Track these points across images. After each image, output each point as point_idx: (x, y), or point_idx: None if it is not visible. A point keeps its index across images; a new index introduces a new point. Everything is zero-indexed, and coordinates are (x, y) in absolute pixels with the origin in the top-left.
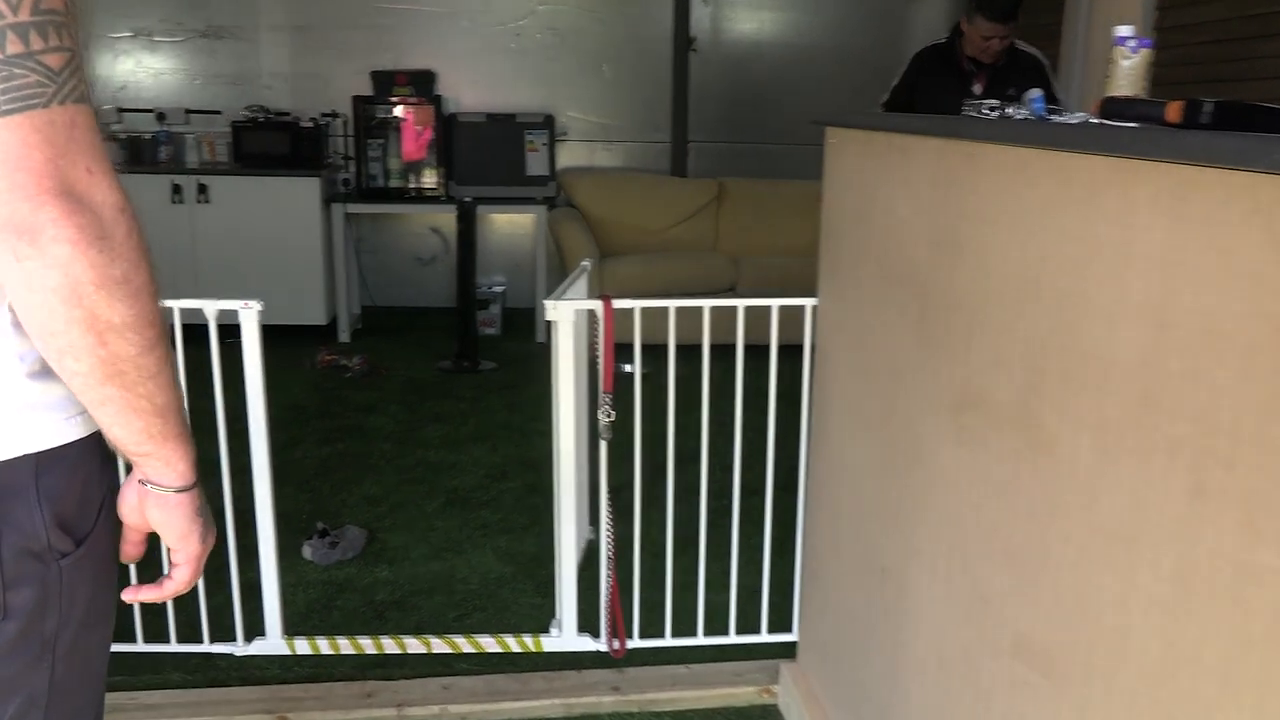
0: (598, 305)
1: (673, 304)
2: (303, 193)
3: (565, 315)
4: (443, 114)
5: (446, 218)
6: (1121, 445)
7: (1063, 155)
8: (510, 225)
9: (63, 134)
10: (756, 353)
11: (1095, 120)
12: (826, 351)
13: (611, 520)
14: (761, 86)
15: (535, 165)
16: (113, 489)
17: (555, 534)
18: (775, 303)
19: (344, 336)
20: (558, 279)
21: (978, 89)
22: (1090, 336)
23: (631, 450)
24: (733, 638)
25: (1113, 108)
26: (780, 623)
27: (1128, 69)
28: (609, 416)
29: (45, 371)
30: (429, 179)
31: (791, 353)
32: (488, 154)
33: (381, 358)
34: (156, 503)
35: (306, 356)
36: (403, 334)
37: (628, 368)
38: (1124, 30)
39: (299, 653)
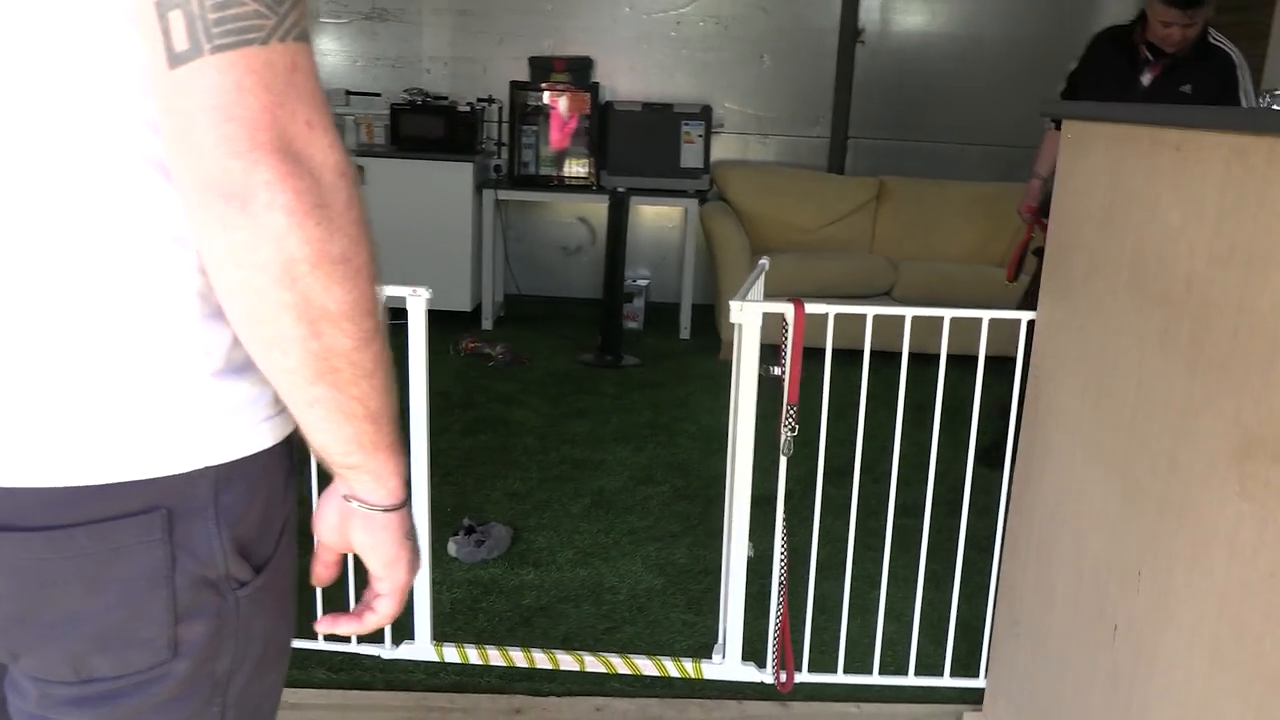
0: (788, 309)
1: (871, 310)
2: (456, 177)
3: (752, 318)
4: (598, 102)
5: (594, 208)
6: None
7: None
8: (657, 218)
9: (282, 78)
10: (918, 361)
11: None
12: (1049, 373)
13: (786, 543)
14: (930, 82)
15: (690, 157)
16: (294, 507)
17: (724, 554)
18: (987, 315)
19: (487, 324)
20: (705, 275)
21: (1146, 79)
22: None
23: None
24: (911, 678)
25: None
26: (965, 666)
27: None
28: (793, 431)
29: (232, 369)
30: (579, 167)
31: (965, 363)
32: (641, 144)
33: (523, 347)
34: (363, 523)
35: (451, 343)
36: (544, 324)
37: (776, 370)
38: None
39: (446, 660)
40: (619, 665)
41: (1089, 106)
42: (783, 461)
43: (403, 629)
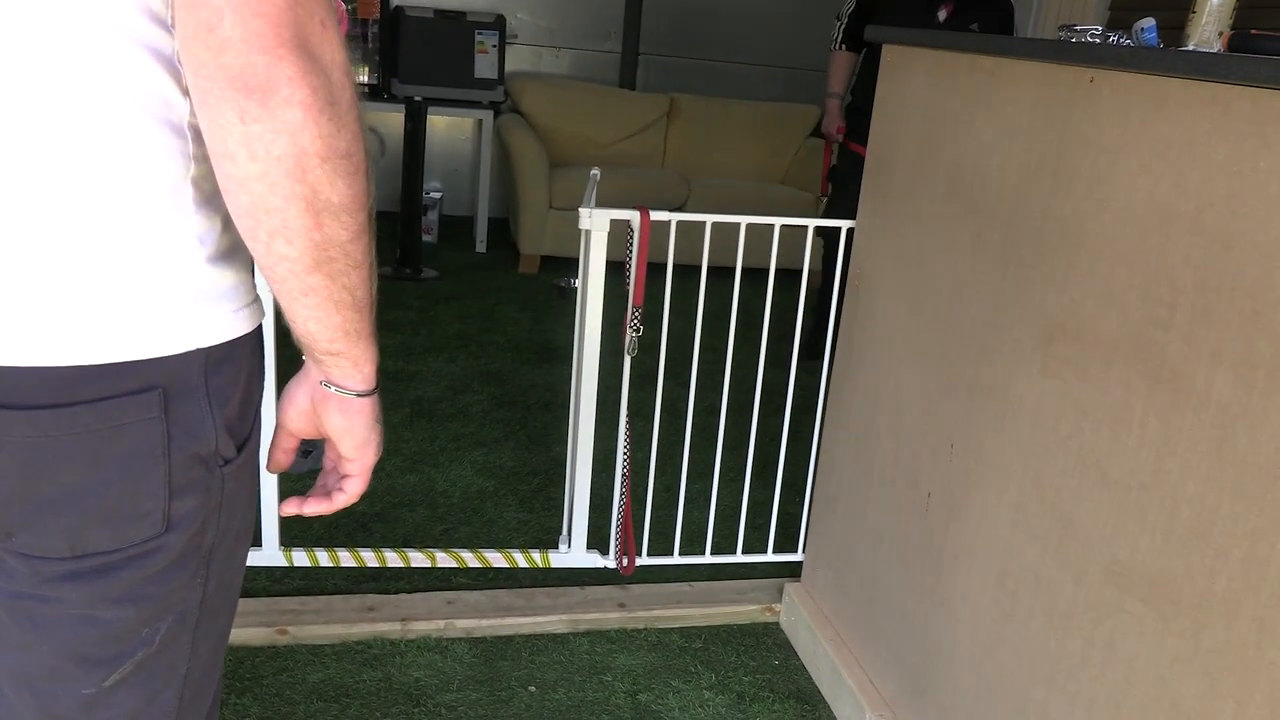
0: (634, 216)
1: (710, 218)
2: None
3: (600, 224)
4: (388, 7)
5: (383, 116)
6: (1274, 383)
7: (1213, 86)
8: (450, 129)
9: None
10: (719, 274)
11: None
12: (868, 274)
13: (629, 437)
14: (716, 2)
15: (483, 67)
16: (263, 390)
17: (569, 452)
18: (811, 223)
19: None
20: (500, 187)
21: (942, 16)
22: (1240, 273)
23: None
24: (739, 557)
25: (1245, 43)
26: (790, 547)
27: (1217, 6)
28: (638, 332)
29: (222, 256)
30: (366, 74)
31: (759, 276)
32: (434, 52)
33: None
34: (338, 407)
35: None
36: None
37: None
38: None
39: (296, 564)
40: (469, 559)
41: (907, 32)
42: (626, 361)
43: None
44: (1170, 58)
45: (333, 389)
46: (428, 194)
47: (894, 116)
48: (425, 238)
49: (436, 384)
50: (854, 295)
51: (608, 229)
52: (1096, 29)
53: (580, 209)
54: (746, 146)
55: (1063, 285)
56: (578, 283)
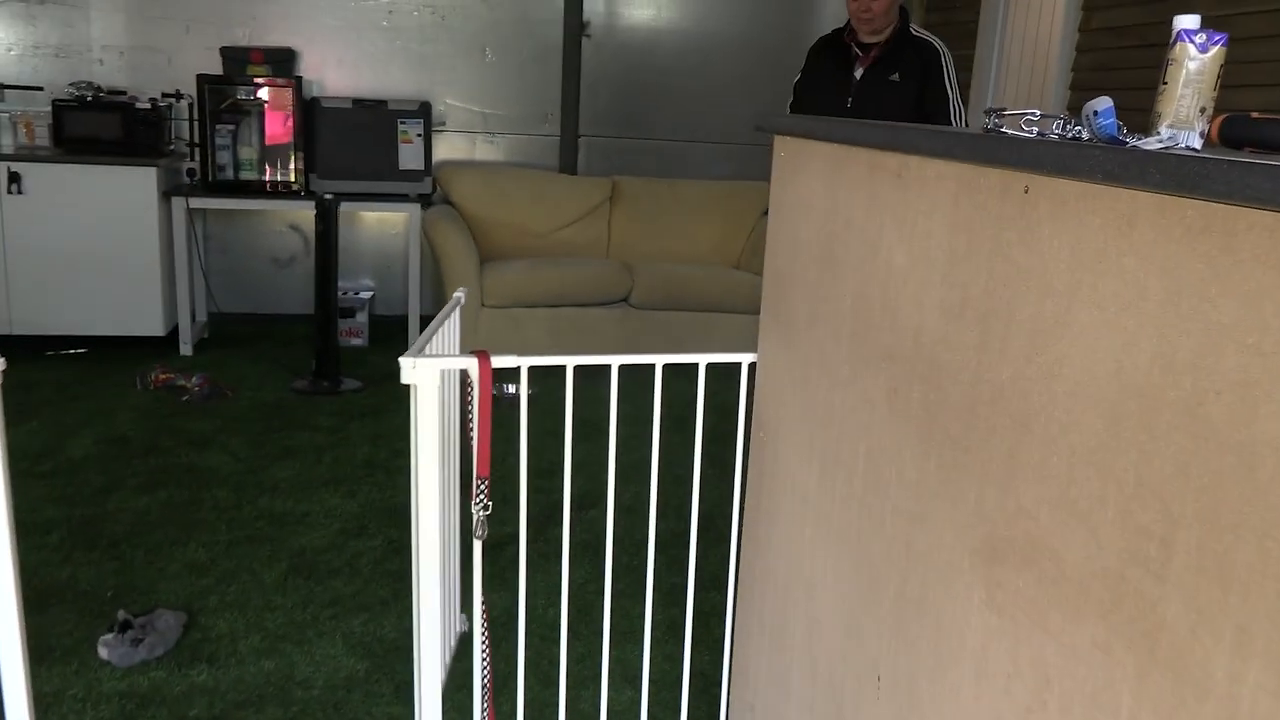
0: (471, 364)
1: (571, 360)
2: (138, 184)
3: (428, 378)
4: (304, 98)
5: (307, 214)
6: None
7: (1206, 206)
8: (381, 224)
9: None
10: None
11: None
12: (772, 426)
13: (487, 645)
14: (659, 78)
15: (409, 158)
16: None
17: (415, 646)
18: (704, 358)
19: (186, 349)
20: (433, 285)
21: (859, 73)
22: (1271, 492)
23: (515, 496)
24: None
25: (1247, 131)
26: None
27: (1195, 73)
28: (485, 510)
29: None
30: (287, 171)
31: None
32: (355, 144)
33: (228, 375)
34: None
35: (137, 375)
36: (254, 347)
37: (510, 389)
38: (1188, 21)
39: None
40: None
41: (798, 121)
42: (477, 548)
43: None
44: (1135, 160)
45: None
46: (357, 294)
47: (789, 226)
48: (354, 341)
49: (327, 528)
50: (759, 447)
51: (439, 383)
52: (1034, 113)
53: (401, 359)
54: (697, 229)
55: (1005, 481)
56: (514, 389)
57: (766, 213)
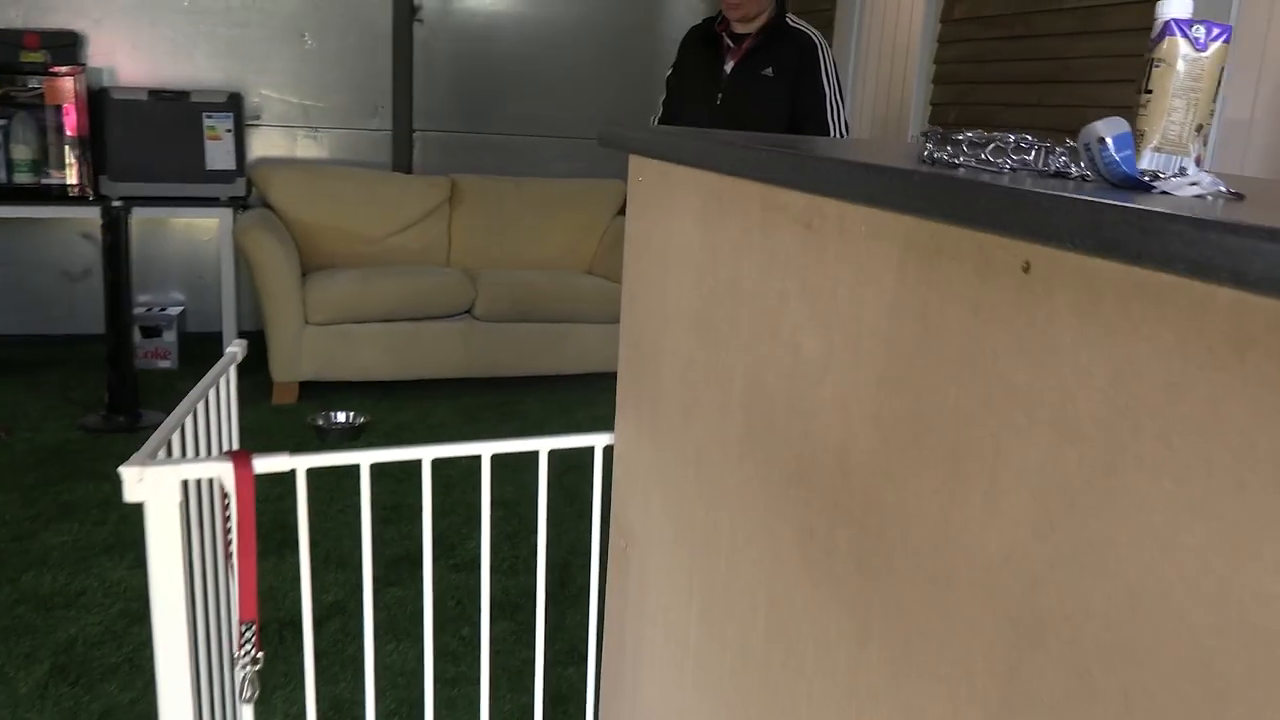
0: (225, 471)
1: (365, 457)
2: None
3: (163, 491)
4: (92, 89)
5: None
6: None
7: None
8: (190, 230)
9: None
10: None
11: None
12: (634, 535)
13: None
14: (500, 66)
15: (217, 157)
16: None
17: None
18: (545, 444)
19: None
20: (252, 296)
21: (729, 66)
22: None
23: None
24: None
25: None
26: None
27: (1190, 77)
28: (255, 663)
29: None
30: (74, 173)
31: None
32: (153, 142)
33: (1, 411)
34: None
35: None
36: (41, 375)
37: (338, 418)
38: (1178, 8)
39: None
40: None
41: (659, 136)
42: (246, 712)
43: None
44: (1248, 247)
45: None
46: (164, 310)
47: (654, 276)
48: (161, 364)
49: (105, 609)
50: (619, 560)
51: (178, 498)
52: (1010, 138)
53: (123, 469)
54: (546, 231)
55: (974, 672)
56: (344, 418)
57: (623, 211)
